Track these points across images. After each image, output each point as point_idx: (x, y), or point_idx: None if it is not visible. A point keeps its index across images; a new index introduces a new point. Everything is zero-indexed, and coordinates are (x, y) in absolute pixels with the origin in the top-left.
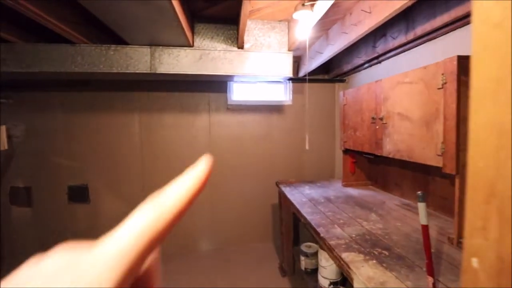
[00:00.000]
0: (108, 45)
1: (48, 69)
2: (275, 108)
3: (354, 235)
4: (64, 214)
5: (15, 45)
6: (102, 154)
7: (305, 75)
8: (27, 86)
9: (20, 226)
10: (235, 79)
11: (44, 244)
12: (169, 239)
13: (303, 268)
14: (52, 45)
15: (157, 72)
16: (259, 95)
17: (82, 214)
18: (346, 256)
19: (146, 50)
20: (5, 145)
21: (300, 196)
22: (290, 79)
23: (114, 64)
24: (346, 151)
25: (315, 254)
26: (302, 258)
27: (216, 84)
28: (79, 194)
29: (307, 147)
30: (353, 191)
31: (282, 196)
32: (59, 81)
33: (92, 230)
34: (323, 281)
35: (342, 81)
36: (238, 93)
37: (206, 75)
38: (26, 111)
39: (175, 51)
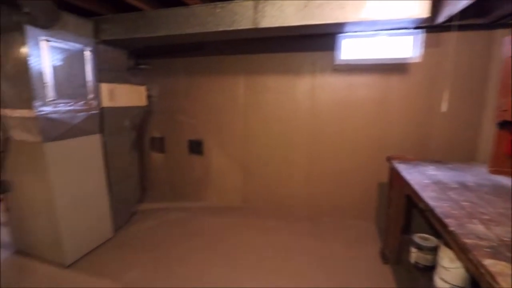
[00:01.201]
0: (215, 3)
1: (168, 32)
2: (396, 68)
3: (506, 238)
4: (185, 162)
5: (145, 13)
6: (213, 114)
7: (446, 21)
8: (160, 54)
9: (156, 166)
10: (346, 31)
11: (171, 181)
12: (265, 197)
13: (412, 261)
14: (170, 9)
15: (260, 26)
16: (375, 52)
17: (197, 163)
18: (491, 264)
19: (250, 3)
20: (145, 102)
21: (421, 177)
22: (421, 27)
23: (220, 22)
24: (503, 125)
25: (432, 250)
26: (414, 250)
27: (322, 41)
28: (196, 147)
29: (443, 109)
30: (507, 181)
31: (394, 174)
32: (182, 46)
33: (204, 177)
34: (442, 284)
35: (507, 25)
36: (348, 50)
37: (312, 26)
38: (160, 75)
39: (279, 1)
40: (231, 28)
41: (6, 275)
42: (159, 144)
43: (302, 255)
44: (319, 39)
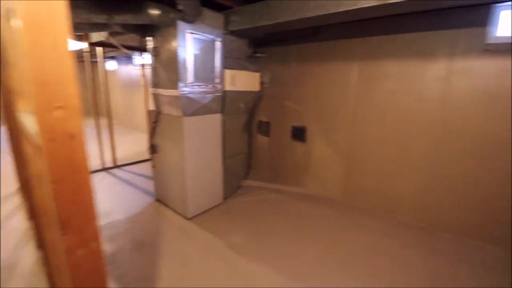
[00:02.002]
0: None
1: (289, 18)
2: None
3: None
4: (287, 147)
5: (268, 2)
6: (320, 102)
7: None
8: (274, 42)
9: (261, 148)
10: None
11: (272, 164)
12: (367, 194)
13: None
14: None
15: (390, 1)
16: None
17: (299, 150)
18: None
19: None
20: (258, 87)
21: None
22: None
23: (341, 3)
24: None
25: None
26: None
27: (470, 14)
28: (299, 134)
29: None
30: None
31: None
32: (296, 33)
33: (304, 164)
34: None
35: None
36: (509, 24)
37: None
38: (272, 63)
39: None
40: (354, 7)
41: (149, 214)
42: (265, 128)
43: (410, 268)
44: (465, 12)
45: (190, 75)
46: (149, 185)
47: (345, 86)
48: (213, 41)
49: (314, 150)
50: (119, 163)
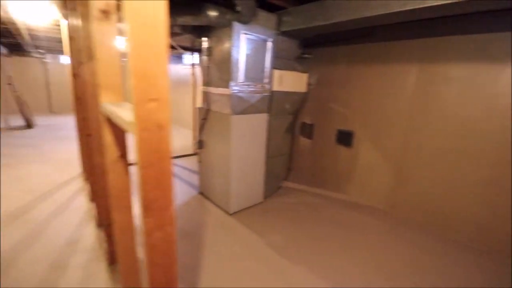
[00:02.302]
0: None
1: (345, 18)
2: None
3: None
4: (331, 151)
5: (322, 2)
6: (370, 106)
7: None
8: (322, 43)
9: (303, 151)
10: None
11: (313, 167)
12: (419, 207)
13: None
14: None
15: None
16: None
17: (343, 155)
18: None
19: None
20: (304, 88)
21: None
22: None
23: (408, 1)
24: None
25: None
26: None
27: None
28: (345, 138)
29: None
30: None
31: None
32: (346, 34)
33: (348, 170)
34: None
35: None
36: None
37: None
38: (319, 63)
39: None
40: (422, 6)
41: (193, 205)
42: (308, 130)
43: None
44: None
45: (241, 75)
46: (193, 179)
47: (400, 91)
48: (264, 41)
49: (360, 156)
50: None
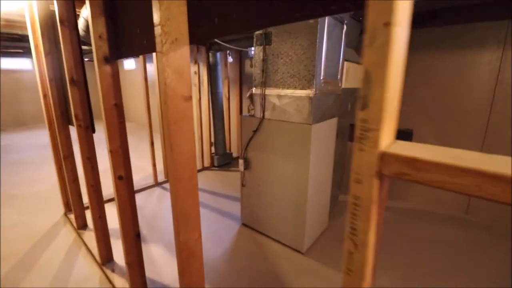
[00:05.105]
0: None
1: None
2: None
3: None
4: None
5: None
6: (436, 98)
7: None
8: None
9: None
10: None
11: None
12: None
13: None
14: None
15: None
16: None
17: None
18: None
19: None
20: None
21: None
22: None
23: None
24: None
25: None
26: None
27: None
28: (401, 138)
29: None
30: None
31: None
32: None
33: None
34: None
35: None
36: None
37: None
38: None
39: None
40: None
41: (248, 247)
42: (352, 132)
43: None
44: None
45: (322, 70)
46: (220, 203)
47: (476, 79)
48: (341, 23)
49: None
50: None
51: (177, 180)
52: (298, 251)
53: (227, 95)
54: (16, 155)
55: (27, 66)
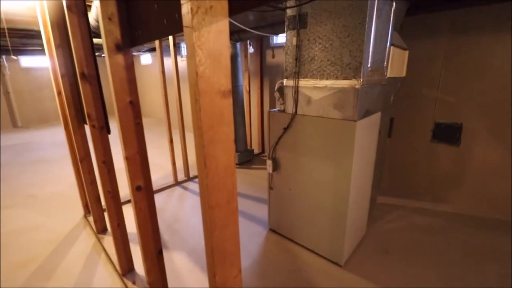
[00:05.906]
0: None
1: None
2: None
3: None
4: (422, 152)
5: None
6: (489, 87)
7: None
8: (414, 8)
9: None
10: None
11: (394, 173)
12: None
13: None
14: None
15: None
16: None
17: (445, 156)
18: None
19: None
20: (405, 72)
21: None
22: None
23: None
24: None
25: None
26: None
27: None
28: (448, 133)
29: None
30: None
31: None
32: None
33: (454, 173)
34: None
35: None
36: None
37: None
38: (409, 37)
39: None
40: None
41: (278, 257)
42: (391, 127)
43: None
44: None
45: (370, 56)
46: (244, 205)
47: None
48: (391, 3)
49: (475, 155)
50: (191, 174)
51: (212, 206)
52: (336, 263)
53: (247, 88)
54: (37, 153)
55: (47, 63)
